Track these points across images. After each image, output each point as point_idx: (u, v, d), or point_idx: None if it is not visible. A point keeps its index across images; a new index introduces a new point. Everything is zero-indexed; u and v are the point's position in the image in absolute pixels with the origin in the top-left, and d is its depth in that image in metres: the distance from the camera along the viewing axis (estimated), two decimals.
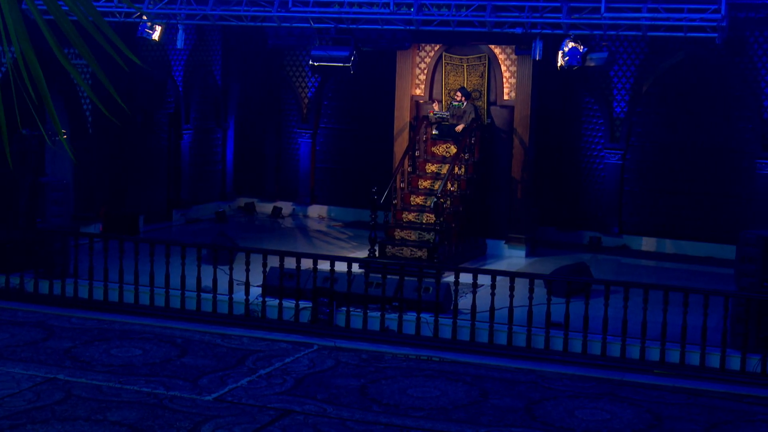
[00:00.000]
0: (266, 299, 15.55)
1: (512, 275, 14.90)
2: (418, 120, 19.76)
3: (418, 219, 18.43)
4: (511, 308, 14.39)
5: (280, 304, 15.35)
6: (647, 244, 20.70)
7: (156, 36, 17.66)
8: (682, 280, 17.81)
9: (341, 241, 20.93)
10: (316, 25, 17.50)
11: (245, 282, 15.48)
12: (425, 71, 19.96)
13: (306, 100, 23.31)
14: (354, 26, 17.62)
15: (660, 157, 20.55)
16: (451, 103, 19.41)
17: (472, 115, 19.08)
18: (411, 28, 17.12)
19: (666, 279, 17.40)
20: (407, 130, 19.96)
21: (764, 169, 19.53)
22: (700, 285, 16.87)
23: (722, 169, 20.09)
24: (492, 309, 14.45)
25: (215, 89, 23.31)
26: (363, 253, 18.53)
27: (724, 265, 19.36)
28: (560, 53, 16.43)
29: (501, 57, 19.34)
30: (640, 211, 20.80)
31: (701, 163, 20.23)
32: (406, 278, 15.19)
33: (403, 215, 18.55)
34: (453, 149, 19.13)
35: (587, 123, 21.02)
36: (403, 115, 20.07)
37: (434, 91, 19.98)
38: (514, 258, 19.41)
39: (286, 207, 23.58)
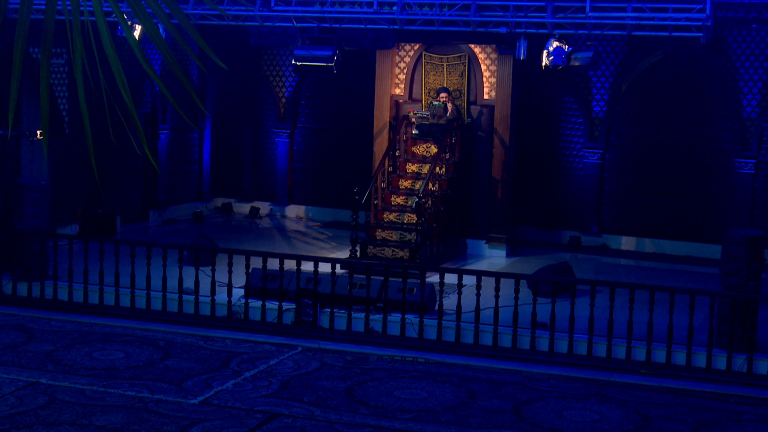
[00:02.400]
0: (249, 301, 15.42)
1: (498, 275, 14.86)
2: (398, 120, 19.67)
3: (399, 219, 18.35)
4: (496, 309, 14.34)
5: (263, 305, 15.23)
6: (626, 243, 20.72)
7: (135, 35, 17.47)
8: (662, 279, 17.82)
9: (320, 242, 20.82)
10: (299, 24, 17.38)
11: (228, 283, 15.34)
12: (405, 71, 19.88)
13: (283, 100, 23.17)
14: (337, 25, 17.52)
15: (639, 157, 20.58)
16: (431, 102, 19.33)
17: (455, 114, 19.02)
18: (395, 27, 17.03)
19: (646, 278, 17.40)
20: (387, 129, 19.87)
21: (743, 168, 19.59)
22: (681, 284, 16.94)
23: (701, 168, 20.15)
24: (477, 309, 14.39)
25: (193, 88, 23.10)
26: (343, 254, 18.43)
27: (703, 264, 19.43)
28: (545, 53, 16.39)
29: (481, 56, 19.29)
30: (619, 211, 20.82)
31: (680, 163, 20.27)
32: (389, 279, 15.11)
33: (384, 215, 18.46)
34: (433, 149, 19.05)
35: (566, 122, 21.02)
36: (382, 115, 19.98)
37: (414, 90, 19.90)
38: (494, 258, 19.36)
39: (264, 207, 23.44)
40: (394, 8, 16.63)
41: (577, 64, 16.75)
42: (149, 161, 22.05)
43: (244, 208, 23.52)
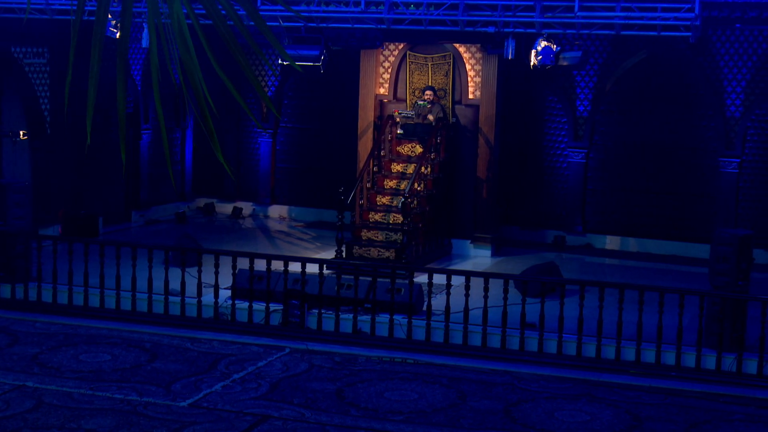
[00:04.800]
0: (236, 302, 15.31)
1: (487, 276, 14.81)
2: (383, 119, 19.60)
3: (385, 219, 18.28)
4: (485, 309, 14.29)
5: (250, 306, 15.12)
6: (611, 242, 20.73)
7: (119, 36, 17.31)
8: (647, 278, 17.78)
9: (304, 242, 20.72)
10: (286, 24, 17.28)
11: (214, 285, 15.22)
12: (389, 70, 19.80)
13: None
14: (324, 25, 17.43)
15: (623, 156, 20.59)
16: (416, 102, 19.27)
17: (440, 114, 18.97)
18: (382, 27, 16.95)
19: (631, 277, 17.37)
20: (371, 129, 19.79)
21: (727, 168, 19.63)
22: (666, 283, 16.95)
23: (685, 168, 20.17)
24: (466, 310, 14.34)
25: (174, 88, 22.96)
26: (328, 254, 18.35)
27: (688, 263, 19.47)
28: (533, 52, 16.35)
29: (466, 56, 19.23)
30: (603, 210, 20.82)
31: (664, 162, 20.29)
32: (377, 279, 15.04)
33: (370, 215, 18.38)
34: (418, 148, 19.00)
35: (551, 122, 21.00)
36: (367, 115, 19.90)
37: (398, 90, 19.83)
38: (479, 258, 19.31)
39: (246, 207, 23.31)
40: (382, 8, 16.55)
41: (565, 63, 16.71)
42: (131, 161, 21.90)
43: (227, 208, 23.39)
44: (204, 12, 3.95)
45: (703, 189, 20.07)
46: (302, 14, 16.90)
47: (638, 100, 20.34)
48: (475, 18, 16.42)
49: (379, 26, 17.03)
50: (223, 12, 3.86)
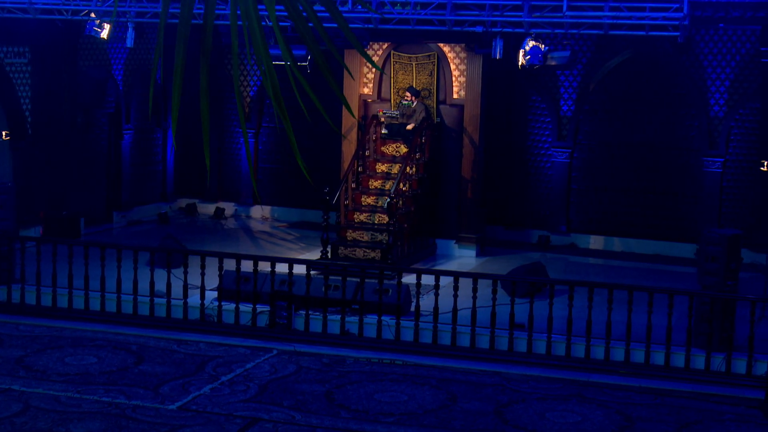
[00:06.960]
0: (222, 303, 15.19)
1: (476, 276, 14.76)
2: (367, 119, 19.52)
3: (370, 219, 18.20)
4: (474, 309, 14.23)
5: (237, 308, 15.01)
6: (595, 242, 20.72)
7: (104, 34, 17.18)
8: (632, 278, 17.76)
9: (288, 242, 20.61)
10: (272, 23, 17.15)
11: (200, 286, 15.10)
12: (373, 70, 19.72)
13: (248, 99, 22.92)
14: (311, 24, 17.29)
15: (607, 156, 20.59)
16: (400, 102, 19.20)
17: (423, 114, 18.90)
18: (369, 26, 16.86)
19: (616, 277, 17.35)
20: (356, 129, 19.71)
21: (711, 167, 19.67)
22: (650, 283, 16.94)
23: (669, 167, 20.19)
24: (455, 310, 14.28)
25: (156, 88, 22.80)
26: (312, 255, 18.25)
27: (672, 262, 19.48)
28: (521, 52, 16.29)
29: (450, 56, 19.18)
30: (587, 210, 20.81)
31: (648, 162, 20.30)
32: (364, 280, 14.97)
33: (355, 216, 18.30)
34: (403, 149, 18.93)
35: (535, 122, 20.97)
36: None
37: (383, 90, 19.75)
38: (464, 258, 19.26)
39: (229, 208, 23.18)
40: (370, 8, 16.47)
41: (553, 63, 16.67)
42: (113, 162, 21.73)
43: (209, 208, 23.25)
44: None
45: (686, 188, 20.10)
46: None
47: (622, 100, 20.35)
48: (462, 18, 16.35)
49: (366, 26, 16.94)
50: (305, 14, 3.77)
